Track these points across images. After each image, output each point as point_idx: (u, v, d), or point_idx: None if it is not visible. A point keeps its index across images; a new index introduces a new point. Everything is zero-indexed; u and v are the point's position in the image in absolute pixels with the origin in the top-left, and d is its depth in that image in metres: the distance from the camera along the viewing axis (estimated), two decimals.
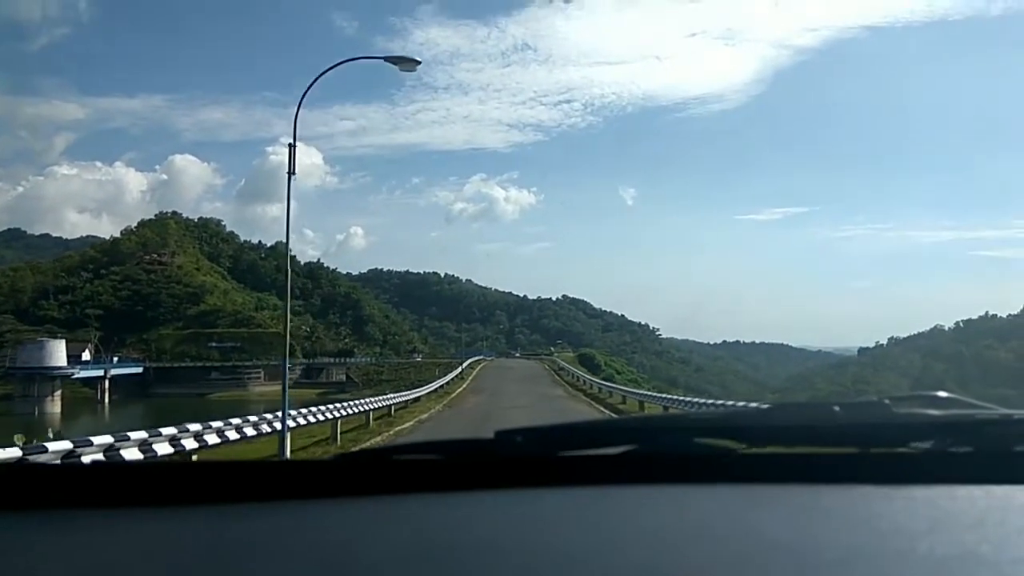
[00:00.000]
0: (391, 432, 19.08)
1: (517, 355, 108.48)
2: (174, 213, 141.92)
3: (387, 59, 14.51)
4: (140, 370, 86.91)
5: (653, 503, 0.85)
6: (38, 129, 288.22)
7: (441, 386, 39.43)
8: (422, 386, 36.64)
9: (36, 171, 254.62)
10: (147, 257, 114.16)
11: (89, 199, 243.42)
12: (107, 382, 79.56)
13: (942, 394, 1.09)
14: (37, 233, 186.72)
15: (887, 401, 1.04)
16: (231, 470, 0.92)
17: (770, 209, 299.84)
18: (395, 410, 26.53)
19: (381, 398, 24.95)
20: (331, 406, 18.12)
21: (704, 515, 0.80)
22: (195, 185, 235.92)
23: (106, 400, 76.94)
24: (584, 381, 48.95)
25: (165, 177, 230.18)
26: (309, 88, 14.47)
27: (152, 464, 0.86)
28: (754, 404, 12.65)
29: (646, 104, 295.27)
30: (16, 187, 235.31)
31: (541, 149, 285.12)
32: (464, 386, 43.65)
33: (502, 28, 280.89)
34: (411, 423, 22.41)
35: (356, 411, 20.49)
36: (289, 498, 0.86)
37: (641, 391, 35.04)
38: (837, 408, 1.05)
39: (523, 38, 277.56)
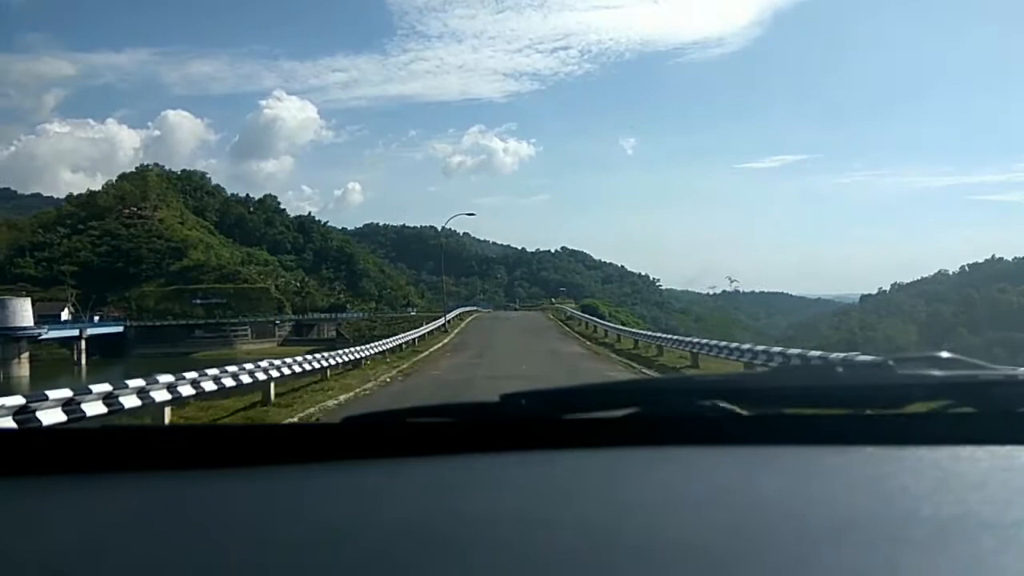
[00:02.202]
0: None
1: (516, 307, 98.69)
2: (156, 164, 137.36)
3: None
4: (120, 329, 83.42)
5: (657, 465, 0.85)
6: (27, 87, 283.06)
7: (412, 341, 32.73)
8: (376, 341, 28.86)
9: (27, 130, 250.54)
10: (126, 211, 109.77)
11: (82, 157, 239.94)
12: (83, 342, 76.09)
13: (945, 355, 1.10)
14: (28, 193, 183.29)
15: (891, 362, 1.05)
16: (236, 433, 0.90)
17: (769, 157, 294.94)
18: (325, 375, 18.74)
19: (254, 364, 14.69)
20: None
21: (708, 477, 0.80)
22: (189, 140, 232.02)
23: (82, 361, 73.72)
24: (606, 332, 37.66)
25: (158, 133, 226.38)
26: None
27: (157, 428, 0.87)
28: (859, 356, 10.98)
29: (644, 49, 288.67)
30: (8, 147, 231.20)
31: (539, 99, 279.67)
32: (445, 341, 36.04)
33: None
34: (306, 412, 13.02)
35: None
36: (296, 462, 0.84)
37: (738, 344, 19.58)
38: (840, 369, 1.08)
39: None
